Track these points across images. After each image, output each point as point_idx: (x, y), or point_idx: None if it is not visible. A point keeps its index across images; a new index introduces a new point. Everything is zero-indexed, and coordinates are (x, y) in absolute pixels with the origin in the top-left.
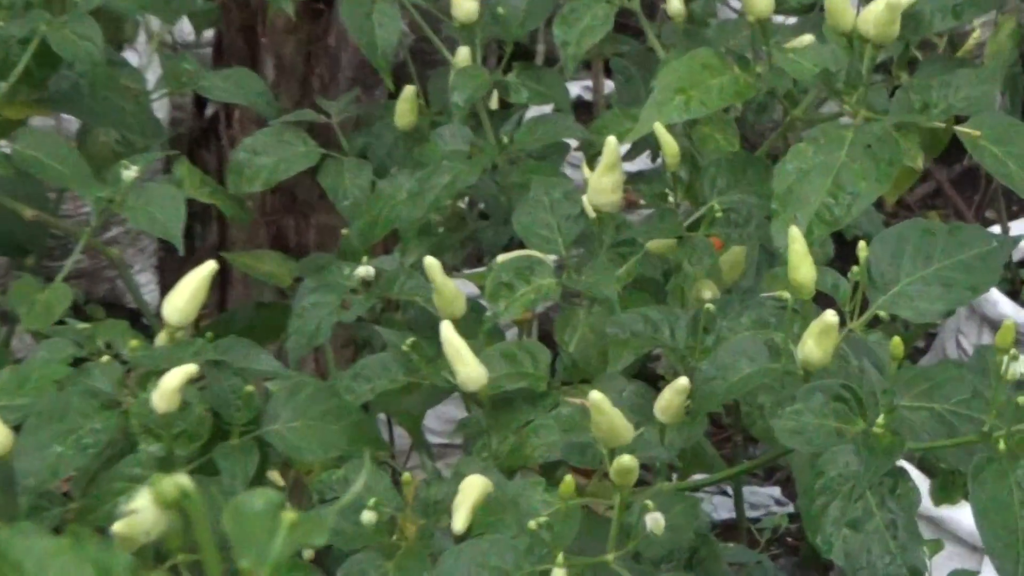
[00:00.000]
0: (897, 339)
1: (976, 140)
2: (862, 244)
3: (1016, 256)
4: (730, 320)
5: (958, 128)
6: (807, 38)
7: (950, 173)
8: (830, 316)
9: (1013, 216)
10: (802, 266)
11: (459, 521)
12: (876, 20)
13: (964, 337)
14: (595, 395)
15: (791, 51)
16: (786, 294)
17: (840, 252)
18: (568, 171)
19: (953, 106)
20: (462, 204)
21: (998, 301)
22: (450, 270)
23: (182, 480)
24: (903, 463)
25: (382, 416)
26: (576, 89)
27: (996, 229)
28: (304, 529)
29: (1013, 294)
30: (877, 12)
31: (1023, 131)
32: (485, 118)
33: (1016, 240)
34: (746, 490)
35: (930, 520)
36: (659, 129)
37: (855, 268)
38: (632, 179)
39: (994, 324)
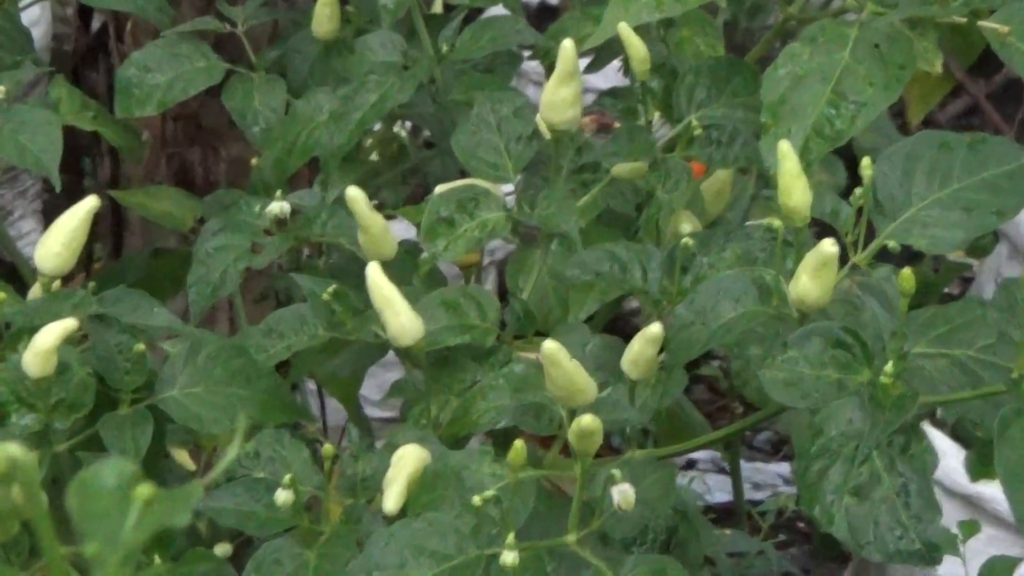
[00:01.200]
0: (908, 271)
1: (1004, 37)
2: (866, 161)
3: None
4: (712, 256)
5: (983, 23)
6: None
7: (988, 86)
8: (828, 246)
9: None
10: (795, 189)
11: (391, 500)
12: None
13: None
14: (548, 344)
15: None
16: (777, 222)
17: (853, 179)
18: (531, 91)
19: None
20: (402, 130)
21: None
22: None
23: (11, 449)
24: (929, 428)
25: (312, 386)
26: None
27: None
28: (164, 507)
29: None
30: None
31: None
32: (420, 23)
33: None
34: (749, 467)
35: (966, 498)
36: (624, 30)
37: (857, 190)
38: (604, 97)
39: None
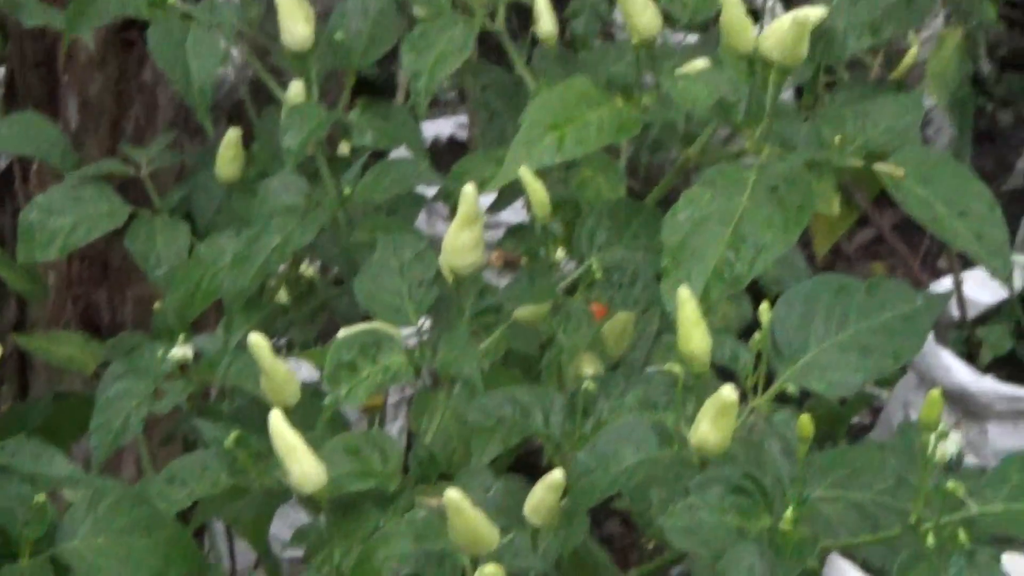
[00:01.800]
0: (805, 417)
1: (899, 180)
2: (764, 306)
3: (972, 313)
4: (613, 400)
5: (878, 166)
6: (701, 62)
7: (894, 216)
8: (727, 393)
9: (967, 264)
10: (694, 335)
11: None
12: (780, 40)
13: (915, 411)
14: (451, 494)
15: (682, 78)
16: (677, 368)
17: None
18: (440, 227)
19: (872, 140)
20: (310, 268)
21: (951, 367)
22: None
23: None
24: (840, 560)
25: (220, 526)
26: (450, 127)
27: (948, 280)
28: None
29: (970, 357)
30: (781, 30)
31: (953, 168)
32: (324, 165)
33: (946, 297)
34: None
35: None
36: (524, 174)
37: (756, 335)
38: (507, 238)
39: (950, 395)
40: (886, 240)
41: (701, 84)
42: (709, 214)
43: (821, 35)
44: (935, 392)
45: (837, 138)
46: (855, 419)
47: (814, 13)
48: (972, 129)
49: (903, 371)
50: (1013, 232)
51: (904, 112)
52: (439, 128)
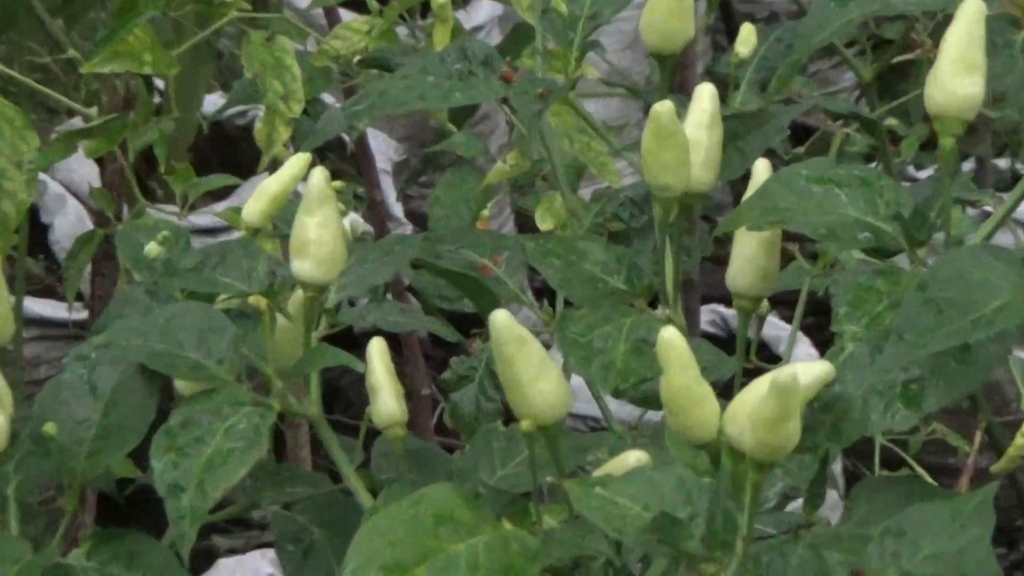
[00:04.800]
0: None
1: None
2: None
3: None
4: None
5: None
6: (632, 456)
7: None
8: None
9: None
10: None
11: None
12: (757, 418)
13: None
14: None
15: (604, 483)
16: None
17: None
18: None
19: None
20: None
21: None
22: None
23: None
24: None
25: None
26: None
27: None
28: None
29: None
30: (757, 408)
31: None
32: None
33: None
34: None
35: None
36: None
37: None
38: None
39: None
40: None
41: (633, 492)
42: None
43: (828, 405)
44: None
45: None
46: None
47: (810, 372)
48: None
49: None
50: None
51: (963, 526)
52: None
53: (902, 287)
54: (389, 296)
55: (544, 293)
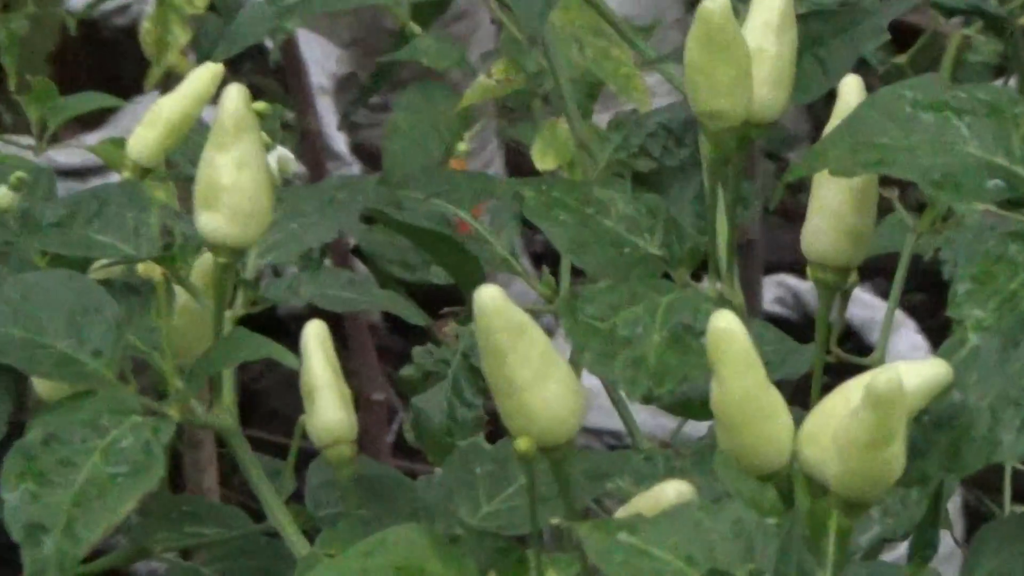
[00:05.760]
0: None
1: None
2: None
3: None
4: None
5: None
6: (670, 489)
7: None
8: None
9: None
10: None
11: None
12: (845, 439)
13: None
14: None
15: (628, 528)
16: None
17: None
18: None
19: None
20: None
21: None
22: None
23: None
24: None
25: None
26: None
27: None
28: None
29: None
30: (846, 424)
31: None
32: None
33: None
34: None
35: None
36: None
37: None
38: None
39: None
40: None
41: (672, 540)
42: None
43: (944, 420)
44: None
45: None
46: None
47: (919, 374)
48: None
49: None
50: None
51: None
52: None
53: None
54: (329, 263)
55: (544, 258)
